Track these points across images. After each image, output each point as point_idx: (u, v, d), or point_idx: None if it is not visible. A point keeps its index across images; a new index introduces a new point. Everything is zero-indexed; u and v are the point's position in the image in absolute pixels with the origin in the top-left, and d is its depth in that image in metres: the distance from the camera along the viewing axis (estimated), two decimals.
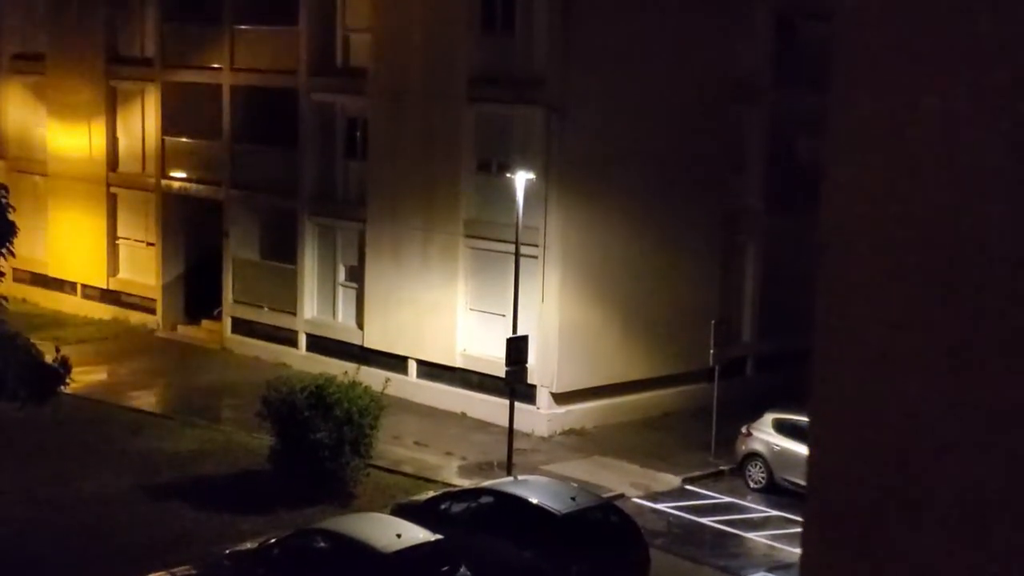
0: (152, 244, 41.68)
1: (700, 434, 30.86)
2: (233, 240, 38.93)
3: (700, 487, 28.81)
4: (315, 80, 36.44)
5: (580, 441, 31.50)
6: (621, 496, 27.57)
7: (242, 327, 38.79)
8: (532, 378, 30.52)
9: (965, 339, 2.30)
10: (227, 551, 22.49)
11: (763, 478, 28.59)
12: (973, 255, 2.29)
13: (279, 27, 37.33)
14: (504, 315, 30.85)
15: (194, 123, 39.93)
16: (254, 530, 24.23)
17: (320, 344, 36.64)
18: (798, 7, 34.99)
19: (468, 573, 21.09)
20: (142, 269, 41.95)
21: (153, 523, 25.18)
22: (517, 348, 27.76)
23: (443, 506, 23.75)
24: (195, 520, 25.35)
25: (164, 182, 40.90)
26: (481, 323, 32.95)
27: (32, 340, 23.88)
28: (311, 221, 36.95)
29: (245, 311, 38.72)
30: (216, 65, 39.05)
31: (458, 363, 33.43)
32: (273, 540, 22.04)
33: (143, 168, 41.65)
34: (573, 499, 23.20)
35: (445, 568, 21.02)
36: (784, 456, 27.73)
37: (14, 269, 33.44)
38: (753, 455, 28.87)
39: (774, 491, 28.07)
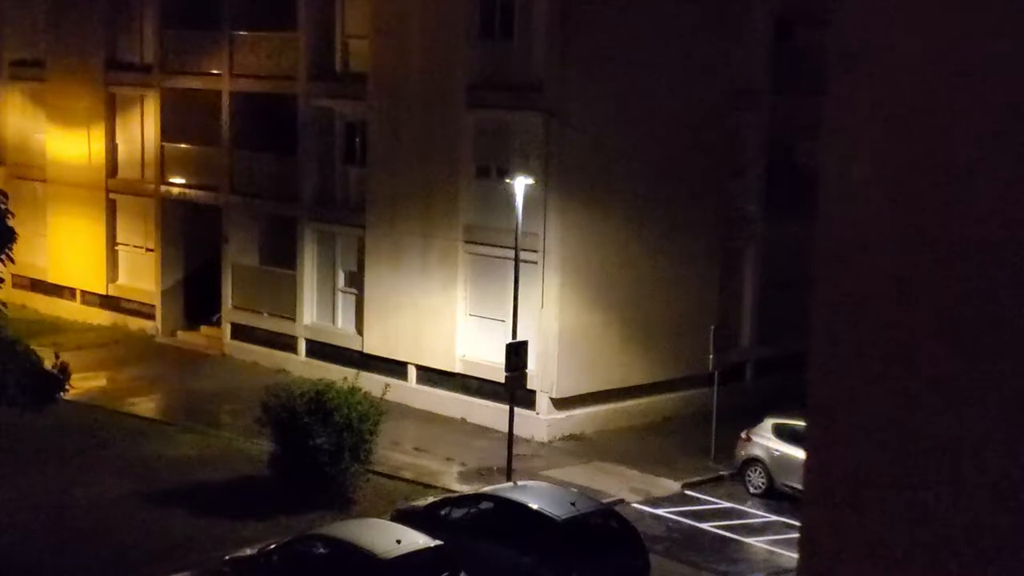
0: (151, 250, 41.68)
1: (700, 439, 30.85)
2: (232, 246, 38.92)
3: (700, 492, 28.79)
4: (314, 86, 36.46)
5: (580, 446, 31.49)
6: (621, 501, 27.56)
7: (241, 333, 38.78)
8: (532, 383, 30.51)
9: (963, 342, 2.31)
10: (226, 557, 22.49)
11: (763, 483, 28.58)
12: (970, 255, 2.29)
13: (278, 33, 37.35)
14: (504, 320, 30.85)
15: (193, 129, 39.94)
16: (254, 536, 24.23)
17: (319, 350, 36.64)
18: (797, 13, 35.01)
19: None
20: (141, 275, 41.94)
21: (152, 529, 25.17)
22: (517, 353, 27.75)
23: (443, 512, 23.74)
24: (194, 526, 25.33)
25: (163, 188, 40.91)
26: (481, 328, 32.94)
27: (32, 346, 23.87)
28: (310, 227, 36.95)
29: (244, 317, 38.71)
30: (215, 71, 39.05)
31: (458, 368, 33.42)
32: (273, 546, 22.03)
33: (142, 174, 41.65)
34: (573, 504, 23.19)
35: (445, 574, 21.01)
36: (784, 461, 27.72)
37: (13, 275, 33.42)
38: (753, 460, 28.86)
39: (774, 496, 28.06)
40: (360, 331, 35.72)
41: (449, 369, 33.56)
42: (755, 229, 35.76)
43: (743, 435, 29.10)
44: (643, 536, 23.98)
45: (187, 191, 40.45)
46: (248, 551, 22.42)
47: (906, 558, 2.42)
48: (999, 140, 2.29)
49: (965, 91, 2.31)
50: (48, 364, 23.35)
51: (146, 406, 34.20)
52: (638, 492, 28.53)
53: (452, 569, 21.12)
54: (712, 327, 30.71)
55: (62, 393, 23.56)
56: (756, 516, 27.63)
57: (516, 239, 28.53)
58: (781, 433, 28.18)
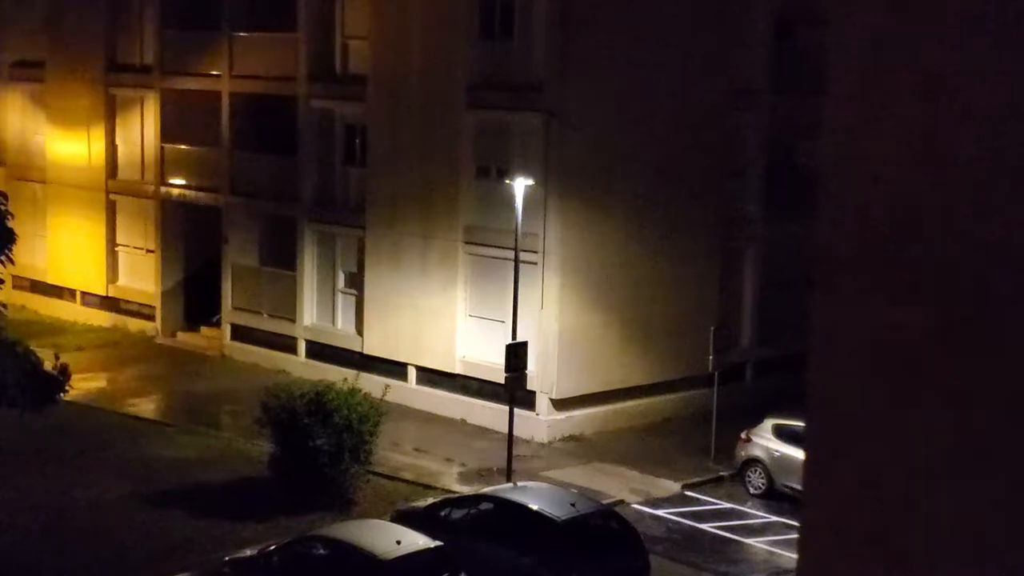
0: (151, 251, 41.67)
1: (700, 440, 30.86)
2: (232, 247, 38.92)
3: (700, 493, 28.79)
4: (314, 87, 36.46)
5: (580, 447, 31.49)
6: (621, 502, 27.56)
7: (241, 334, 38.78)
8: (532, 384, 30.51)
9: (961, 344, 2.30)
10: (226, 558, 22.49)
11: (763, 484, 28.58)
12: (969, 257, 2.29)
13: (278, 34, 37.35)
14: (503, 321, 30.84)
15: (193, 130, 39.94)
16: (254, 537, 24.23)
17: (319, 351, 36.63)
18: (797, 13, 35.00)
19: None
20: (141, 276, 41.93)
21: (152, 530, 25.16)
22: (516, 354, 27.75)
23: (443, 512, 23.75)
24: (194, 527, 25.32)
25: (163, 189, 40.90)
26: (480, 329, 32.94)
27: (31, 347, 23.86)
28: (310, 228, 36.95)
29: (244, 318, 38.71)
30: (215, 72, 39.04)
31: (458, 369, 33.42)
32: (273, 547, 22.03)
33: (142, 175, 41.64)
34: (573, 505, 23.19)
35: (445, 574, 21.02)
36: (784, 462, 27.71)
37: (13, 276, 33.42)
38: (753, 461, 28.86)
39: (774, 497, 28.06)
40: (360, 332, 35.72)
41: (449, 370, 33.56)
42: (755, 229, 35.75)
43: (743, 436, 29.10)
44: (643, 537, 23.98)
45: (187, 192, 40.45)
46: (248, 552, 22.42)
47: (905, 558, 2.42)
48: (999, 140, 2.29)
49: (965, 91, 2.31)
50: (48, 365, 23.34)
51: (146, 407, 34.20)
52: (638, 493, 28.53)
53: (452, 570, 21.12)
54: (712, 327, 30.71)
55: (62, 394, 23.54)
56: (756, 517, 27.63)
57: (516, 240, 28.52)
58: (781, 434, 28.18)
